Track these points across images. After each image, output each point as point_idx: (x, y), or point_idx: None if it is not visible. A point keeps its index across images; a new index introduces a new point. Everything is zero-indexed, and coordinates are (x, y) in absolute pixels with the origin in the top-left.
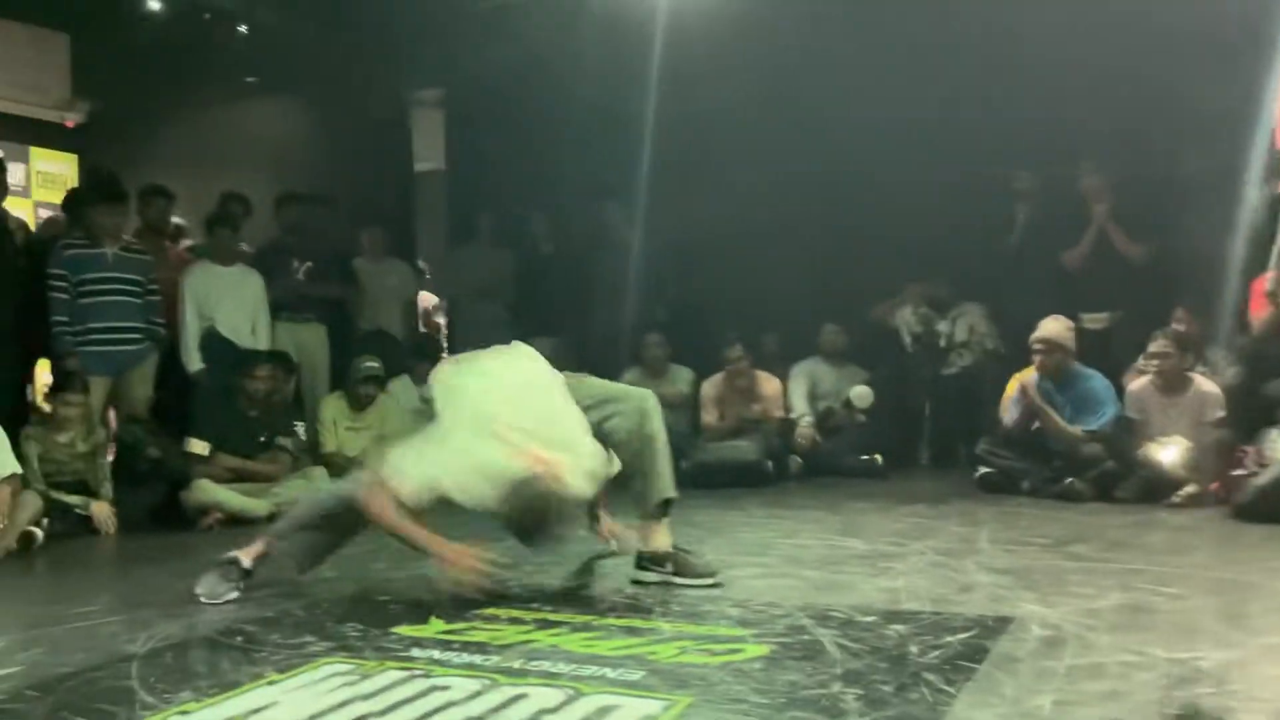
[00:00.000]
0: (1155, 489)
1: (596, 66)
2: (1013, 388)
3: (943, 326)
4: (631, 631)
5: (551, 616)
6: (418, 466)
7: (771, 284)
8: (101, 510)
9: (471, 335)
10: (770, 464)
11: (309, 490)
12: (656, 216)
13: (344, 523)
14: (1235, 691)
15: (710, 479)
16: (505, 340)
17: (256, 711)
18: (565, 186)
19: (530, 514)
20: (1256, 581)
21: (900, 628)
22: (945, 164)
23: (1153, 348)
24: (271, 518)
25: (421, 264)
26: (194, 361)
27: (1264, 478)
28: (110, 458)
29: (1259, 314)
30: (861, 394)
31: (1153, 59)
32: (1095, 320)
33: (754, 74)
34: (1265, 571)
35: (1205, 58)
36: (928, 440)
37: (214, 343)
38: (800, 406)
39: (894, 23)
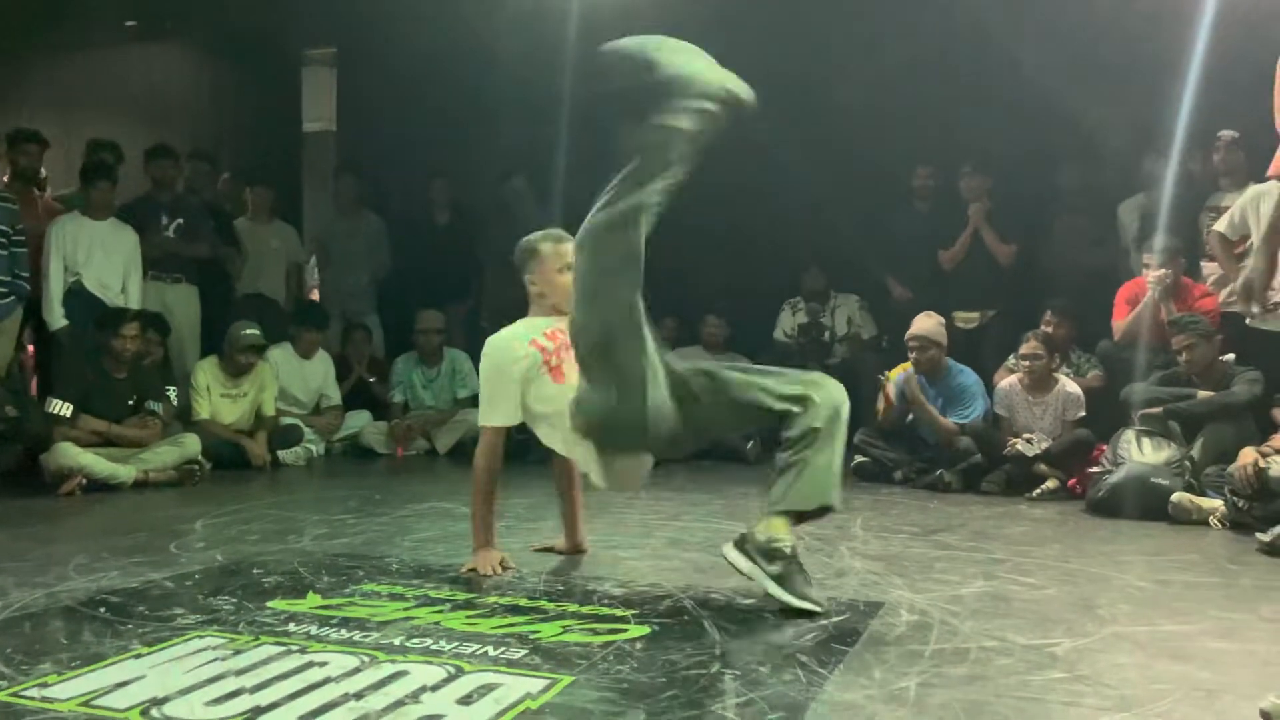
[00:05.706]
0: (1018, 482)
1: (507, 41)
2: (889, 381)
3: (824, 320)
4: (514, 610)
5: (433, 594)
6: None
7: (667, 271)
8: None
9: (332, 305)
10: None
11: (179, 456)
12: (563, 197)
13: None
14: (1085, 677)
15: None
16: (368, 311)
17: (122, 685)
18: (469, 158)
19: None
20: (1107, 574)
21: (777, 610)
22: (839, 161)
23: (1023, 349)
24: (138, 484)
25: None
26: (57, 318)
27: (1117, 475)
28: None
29: (1121, 321)
30: None
31: (1047, 74)
32: (967, 319)
33: None
34: (1115, 564)
35: (1097, 79)
36: None
37: (80, 299)
38: None
39: (798, 23)
